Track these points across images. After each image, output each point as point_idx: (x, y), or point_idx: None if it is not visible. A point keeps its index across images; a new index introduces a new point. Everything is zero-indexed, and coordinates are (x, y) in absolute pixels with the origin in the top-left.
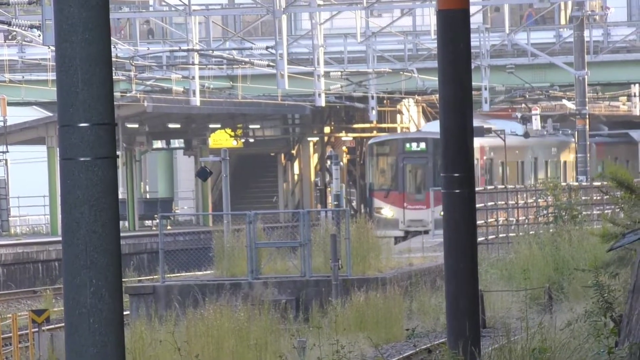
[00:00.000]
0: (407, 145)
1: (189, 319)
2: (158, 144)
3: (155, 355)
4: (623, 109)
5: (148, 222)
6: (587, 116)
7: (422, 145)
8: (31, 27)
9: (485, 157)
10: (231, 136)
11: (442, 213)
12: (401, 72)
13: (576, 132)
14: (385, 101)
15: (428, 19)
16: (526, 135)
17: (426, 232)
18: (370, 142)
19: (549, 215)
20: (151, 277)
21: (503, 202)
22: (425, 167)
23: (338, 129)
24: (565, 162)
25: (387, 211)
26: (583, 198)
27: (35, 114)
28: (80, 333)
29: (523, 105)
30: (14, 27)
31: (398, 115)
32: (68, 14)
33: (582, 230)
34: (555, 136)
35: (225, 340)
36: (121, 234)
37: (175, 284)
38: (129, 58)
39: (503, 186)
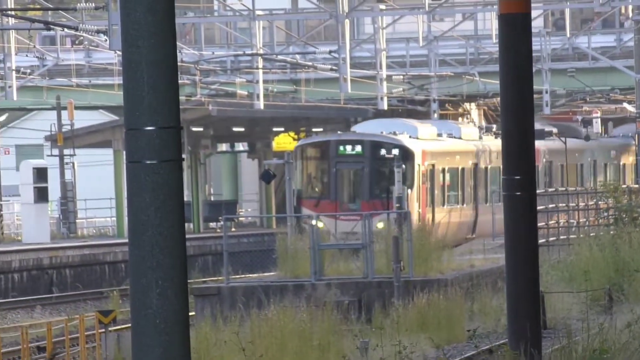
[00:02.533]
0: (341, 147)
1: (253, 319)
2: (222, 147)
3: (220, 356)
4: None
5: (212, 224)
6: None
7: (358, 148)
8: (98, 32)
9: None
10: (294, 139)
11: (378, 225)
12: (463, 76)
13: (636, 135)
14: (447, 104)
15: (489, 23)
16: (587, 138)
17: (357, 250)
18: (299, 143)
19: (609, 217)
20: (216, 278)
21: (564, 204)
22: (362, 172)
23: None
24: (624, 165)
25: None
26: None
27: (102, 117)
28: (147, 333)
29: (584, 108)
30: (81, 32)
31: (460, 119)
32: (134, 19)
33: None
34: (616, 139)
35: (288, 341)
36: (186, 236)
37: (240, 285)
38: (194, 62)
39: (564, 188)
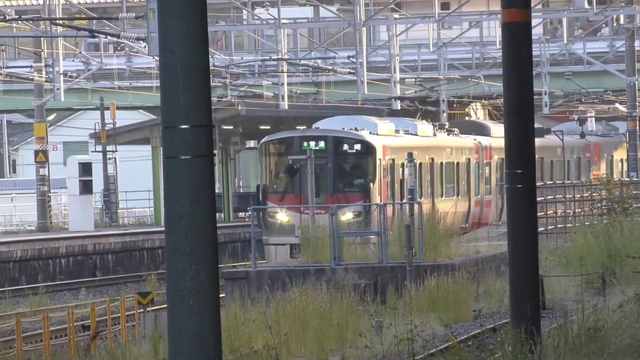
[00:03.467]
0: (305, 143)
1: (277, 301)
2: (250, 143)
3: (248, 334)
4: None
5: (241, 214)
6: (638, 118)
7: (322, 143)
8: (137, 39)
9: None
10: None
11: (344, 215)
12: (469, 79)
13: (627, 133)
14: (454, 105)
15: (494, 30)
16: (582, 135)
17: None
18: (264, 139)
19: (603, 207)
20: (244, 263)
21: (561, 196)
22: (325, 168)
23: None
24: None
25: (282, 216)
26: (634, 192)
27: (141, 117)
28: (181, 313)
29: (580, 108)
30: (122, 39)
31: (466, 118)
32: (170, 27)
33: (633, 221)
34: (609, 136)
35: (310, 320)
36: (217, 225)
37: (266, 270)
38: (225, 67)
39: (561, 181)
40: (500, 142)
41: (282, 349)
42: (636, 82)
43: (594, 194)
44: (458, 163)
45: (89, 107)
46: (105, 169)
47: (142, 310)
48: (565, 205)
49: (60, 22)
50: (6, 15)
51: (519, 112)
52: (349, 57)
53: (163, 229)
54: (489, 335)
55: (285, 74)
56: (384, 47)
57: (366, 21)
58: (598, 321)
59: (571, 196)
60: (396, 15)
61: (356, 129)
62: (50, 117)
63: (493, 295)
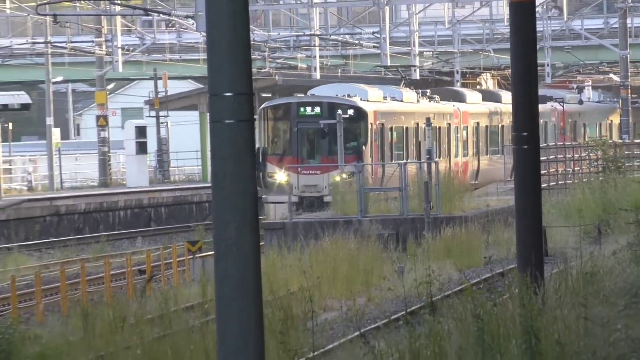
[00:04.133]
0: (302, 109)
1: (311, 249)
2: None
3: (285, 278)
4: None
5: None
6: (629, 87)
7: (317, 109)
8: (187, 17)
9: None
10: None
11: (335, 178)
12: (480, 52)
13: (620, 100)
14: (467, 75)
15: (502, 9)
16: (580, 102)
17: (320, 199)
18: (263, 105)
19: (599, 166)
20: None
21: (562, 156)
22: (320, 131)
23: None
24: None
25: (281, 176)
26: (626, 152)
27: (189, 86)
28: (226, 260)
29: (578, 78)
30: (173, 17)
31: (478, 87)
32: (216, 6)
33: (625, 178)
34: (604, 103)
35: (339, 266)
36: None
37: (300, 221)
38: (264, 41)
39: (562, 143)
40: (475, 108)
41: (315, 291)
42: (628, 55)
43: (590, 154)
44: (440, 127)
45: (144, 77)
46: (158, 132)
47: (191, 256)
48: (566, 164)
49: (118, 1)
50: None
51: (524, 82)
52: (373, 32)
53: (209, 185)
54: (498, 279)
55: (317, 48)
56: (404, 24)
57: (389, 1)
58: (594, 267)
59: (570, 156)
60: None
61: (349, 96)
62: (110, 86)
63: (501, 243)
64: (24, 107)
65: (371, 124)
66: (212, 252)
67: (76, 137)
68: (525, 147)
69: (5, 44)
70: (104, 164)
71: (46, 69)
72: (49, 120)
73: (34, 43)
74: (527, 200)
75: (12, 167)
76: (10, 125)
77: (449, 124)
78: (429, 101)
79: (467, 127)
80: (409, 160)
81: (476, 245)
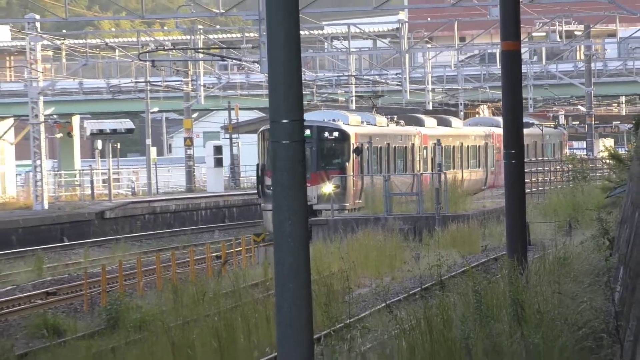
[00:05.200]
0: None
1: (348, 240)
2: None
3: (328, 262)
4: (615, 111)
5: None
6: (593, 115)
7: (308, 132)
8: (253, 62)
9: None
10: None
11: (323, 190)
12: (479, 88)
13: (586, 125)
14: (468, 106)
15: (495, 55)
16: (556, 127)
17: (310, 207)
18: (261, 128)
19: (569, 176)
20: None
21: (541, 168)
22: (311, 150)
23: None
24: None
25: None
26: (590, 166)
27: (255, 115)
28: (283, 248)
29: (554, 108)
30: (243, 62)
31: (477, 116)
32: (276, 54)
33: (590, 186)
34: (573, 127)
35: (370, 253)
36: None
37: (340, 218)
38: (312, 80)
39: (541, 158)
40: (432, 131)
41: (351, 272)
42: (592, 91)
43: (563, 167)
44: (405, 147)
45: (220, 108)
46: (231, 150)
47: (256, 245)
48: (544, 174)
49: (201, 50)
50: (165, 46)
51: (513, 111)
52: (396, 74)
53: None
54: (492, 263)
55: (353, 86)
56: (420, 67)
57: (408, 50)
58: (566, 253)
59: (548, 168)
60: (429, 46)
61: (333, 120)
62: (194, 115)
63: (494, 235)
64: (129, 131)
65: (353, 143)
66: (273, 242)
67: (168, 154)
68: (514, 161)
69: (115, 82)
70: (190, 175)
71: (146, 102)
72: (148, 141)
73: (136, 82)
74: (514, 202)
75: (120, 177)
76: (119, 145)
77: (413, 144)
78: (396, 125)
79: (426, 146)
80: (402, 173)
81: (475, 237)
